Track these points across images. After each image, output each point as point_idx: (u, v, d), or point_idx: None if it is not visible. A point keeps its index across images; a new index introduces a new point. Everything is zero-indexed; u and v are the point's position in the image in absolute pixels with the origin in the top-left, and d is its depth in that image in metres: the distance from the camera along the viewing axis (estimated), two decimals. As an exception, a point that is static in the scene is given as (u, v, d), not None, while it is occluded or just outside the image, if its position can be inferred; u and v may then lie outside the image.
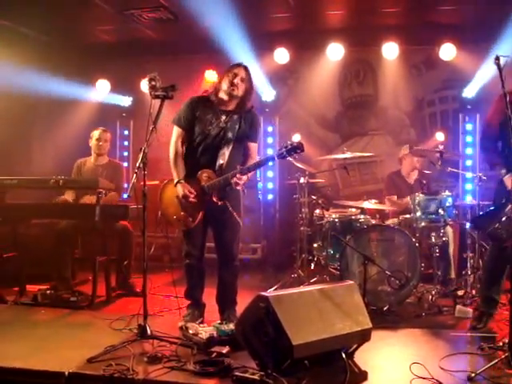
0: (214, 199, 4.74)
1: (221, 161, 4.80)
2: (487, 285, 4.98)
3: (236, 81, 4.79)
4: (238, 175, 4.62)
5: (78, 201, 6.39)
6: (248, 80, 4.88)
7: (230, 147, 4.82)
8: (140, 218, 4.46)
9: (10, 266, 6.19)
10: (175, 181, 4.84)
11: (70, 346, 4.37)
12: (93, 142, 6.68)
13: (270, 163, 8.06)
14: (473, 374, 3.64)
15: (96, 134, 6.68)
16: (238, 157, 4.89)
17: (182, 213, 4.82)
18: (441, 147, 6.06)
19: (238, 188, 4.79)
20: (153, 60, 8.96)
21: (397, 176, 7.09)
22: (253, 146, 5.00)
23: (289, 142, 4.54)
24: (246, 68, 4.89)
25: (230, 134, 4.82)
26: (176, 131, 4.95)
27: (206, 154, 4.84)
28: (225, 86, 4.81)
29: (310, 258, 6.97)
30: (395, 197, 6.92)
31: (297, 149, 4.50)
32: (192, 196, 4.74)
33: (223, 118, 4.85)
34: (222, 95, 4.85)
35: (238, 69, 4.85)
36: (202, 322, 4.79)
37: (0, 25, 7.60)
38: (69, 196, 6.43)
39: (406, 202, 6.41)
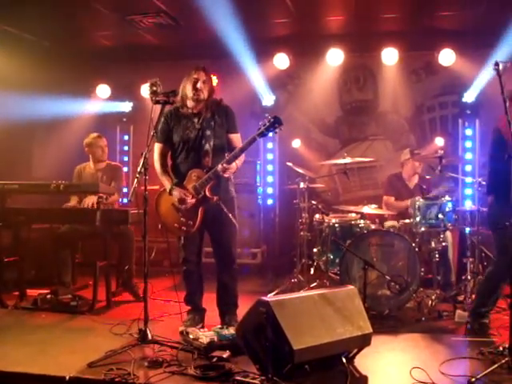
0: (208, 194, 4.76)
1: (206, 158, 4.84)
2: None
3: (199, 85, 4.84)
4: (224, 164, 4.66)
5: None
6: (209, 80, 4.95)
7: (212, 143, 4.86)
8: (140, 222, 4.47)
9: (10, 271, 6.22)
10: (168, 188, 4.88)
11: (70, 350, 4.38)
12: (94, 151, 6.65)
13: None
14: (473, 379, 3.64)
15: (93, 142, 6.66)
16: (221, 151, 4.90)
17: (182, 219, 4.83)
18: (440, 152, 6.07)
19: (227, 175, 4.78)
20: (153, 65, 8.97)
21: (397, 179, 7.08)
22: (234, 137, 5.03)
23: (266, 119, 4.60)
24: (204, 69, 4.93)
25: (208, 132, 4.86)
26: (156, 147, 5.02)
27: (190, 157, 4.90)
28: (189, 92, 4.87)
29: (310, 262, 6.96)
30: (393, 198, 6.93)
31: (275, 123, 4.56)
32: (189, 198, 4.77)
33: (196, 120, 4.91)
34: (189, 102, 4.92)
35: (197, 73, 4.87)
36: (202, 327, 4.80)
37: (1, 30, 7.61)
38: (73, 203, 6.43)
39: (405, 204, 6.43)
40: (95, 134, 6.75)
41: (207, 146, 4.85)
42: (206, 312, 5.18)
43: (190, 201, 4.78)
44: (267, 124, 4.58)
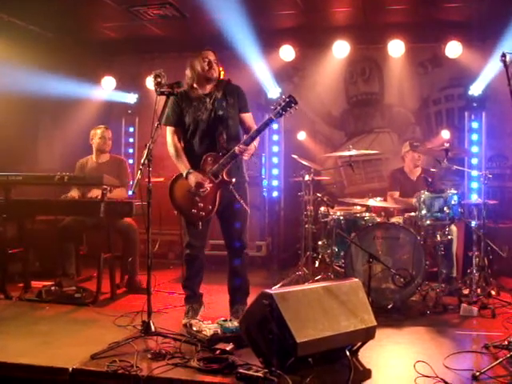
0: (226, 178, 4.74)
1: (221, 140, 4.80)
2: None
3: (211, 64, 4.85)
4: (241, 146, 4.65)
5: (83, 197, 6.39)
6: (218, 62, 4.94)
7: (225, 124, 4.85)
8: (144, 214, 4.45)
9: (15, 262, 6.24)
10: (184, 173, 4.79)
11: (73, 342, 4.38)
12: (96, 141, 6.66)
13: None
14: (478, 373, 3.62)
15: (99, 132, 6.67)
16: (236, 131, 4.91)
17: (200, 204, 4.77)
18: (446, 145, 6.04)
19: (246, 157, 4.77)
20: (158, 57, 8.99)
21: (400, 173, 7.08)
22: (247, 116, 5.03)
23: (281, 99, 4.62)
24: (214, 51, 4.94)
25: (220, 112, 4.84)
26: (169, 130, 4.96)
27: (204, 139, 4.86)
28: (200, 70, 4.85)
29: (315, 255, 6.96)
30: (397, 193, 6.91)
31: (291, 103, 4.59)
32: (207, 182, 4.72)
33: (208, 100, 4.88)
34: (200, 82, 4.90)
35: (207, 53, 4.89)
36: (205, 320, 4.77)
37: (6, 22, 7.60)
38: (75, 194, 6.43)
39: (410, 201, 6.40)
40: (102, 126, 6.76)
41: (221, 128, 4.81)
42: (202, 297, 5.16)
43: (208, 185, 4.73)
44: (283, 104, 4.59)
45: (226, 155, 4.72)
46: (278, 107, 4.60)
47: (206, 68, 4.83)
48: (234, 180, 4.77)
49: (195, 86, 4.92)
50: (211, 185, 4.74)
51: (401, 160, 7.24)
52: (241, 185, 4.93)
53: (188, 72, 4.92)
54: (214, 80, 4.90)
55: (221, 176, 4.74)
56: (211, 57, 4.87)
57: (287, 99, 4.59)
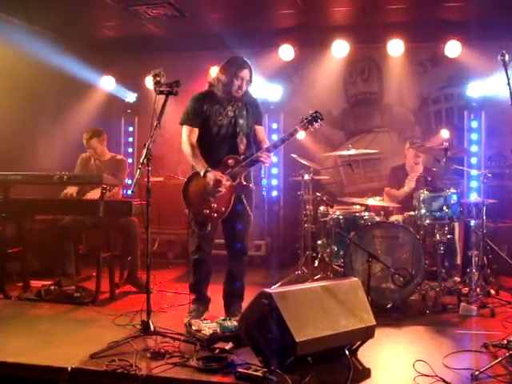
0: (244, 182, 4.80)
1: (241, 146, 4.87)
2: None
3: (242, 84, 4.86)
4: (265, 153, 4.76)
5: (80, 195, 6.38)
6: (250, 79, 4.95)
7: (245, 132, 4.91)
8: (143, 214, 4.44)
9: (14, 262, 6.23)
10: (202, 171, 4.72)
11: (73, 341, 4.37)
12: (88, 150, 6.68)
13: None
14: (477, 372, 3.62)
15: (85, 143, 6.64)
16: (253, 140, 5.00)
17: (214, 204, 4.76)
18: (446, 144, 6.04)
19: (267, 165, 4.93)
20: (158, 56, 8.97)
21: (401, 170, 7.11)
22: (260, 128, 5.15)
23: (309, 113, 4.85)
24: (250, 69, 4.94)
25: (241, 121, 4.90)
26: (186, 130, 4.92)
27: (224, 143, 4.89)
28: (229, 85, 4.85)
29: (314, 254, 6.97)
30: (394, 190, 6.93)
31: (317, 118, 4.85)
32: (225, 179, 4.71)
33: (229, 107, 4.92)
34: (224, 91, 4.90)
35: (245, 72, 4.87)
36: (204, 319, 4.77)
37: (7, 21, 7.60)
38: (72, 190, 6.40)
39: (403, 192, 6.46)
40: (88, 135, 6.66)
41: (241, 134, 4.89)
42: (210, 301, 5.16)
43: (226, 182, 4.72)
44: (309, 118, 4.83)
45: (247, 159, 4.78)
46: (305, 120, 4.83)
47: (236, 87, 4.84)
48: (251, 185, 4.84)
49: (220, 90, 4.92)
50: (228, 183, 4.75)
51: (400, 159, 7.26)
52: (250, 191, 4.97)
53: (218, 75, 4.93)
54: (236, 98, 4.92)
55: (239, 179, 4.78)
56: (247, 76, 4.88)
57: (314, 114, 4.84)
